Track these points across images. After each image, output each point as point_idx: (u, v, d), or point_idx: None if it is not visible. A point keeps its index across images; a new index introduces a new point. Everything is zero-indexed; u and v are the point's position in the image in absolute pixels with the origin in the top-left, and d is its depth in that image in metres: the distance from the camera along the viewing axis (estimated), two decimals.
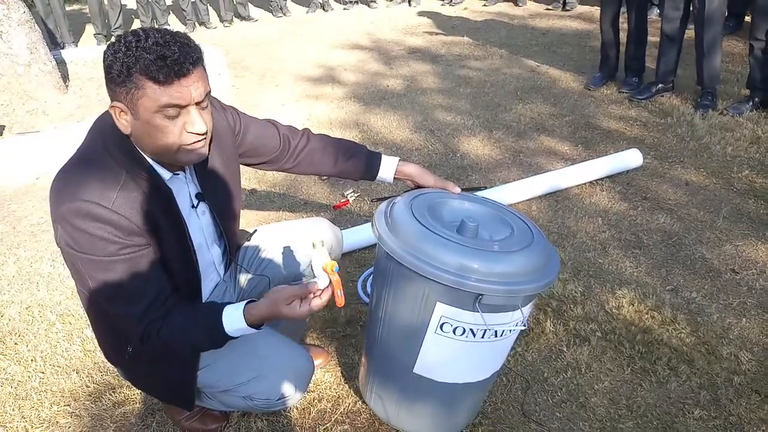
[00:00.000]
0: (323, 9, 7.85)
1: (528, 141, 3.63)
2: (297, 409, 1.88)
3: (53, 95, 4.98)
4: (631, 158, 3.11)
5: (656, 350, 2.02)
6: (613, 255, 2.52)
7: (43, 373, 2.12)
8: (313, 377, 1.79)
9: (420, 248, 1.30)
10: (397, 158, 1.72)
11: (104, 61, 1.22)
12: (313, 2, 7.86)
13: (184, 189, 1.46)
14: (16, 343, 2.28)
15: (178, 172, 1.43)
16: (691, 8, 3.67)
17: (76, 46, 6.83)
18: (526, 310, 1.39)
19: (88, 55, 5.96)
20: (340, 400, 1.91)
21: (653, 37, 4.07)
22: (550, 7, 6.78)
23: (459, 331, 1.36)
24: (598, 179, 3.08)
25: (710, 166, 3.16)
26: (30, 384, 2.07)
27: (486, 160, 3.43)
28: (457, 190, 1.62)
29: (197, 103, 1.25)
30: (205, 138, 1.31)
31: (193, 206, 1.50)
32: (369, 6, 7.79)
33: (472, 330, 1.35)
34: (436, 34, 6.30)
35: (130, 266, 1.31)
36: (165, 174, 1.38)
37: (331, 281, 1.31)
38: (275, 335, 1.66)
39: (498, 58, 5.26)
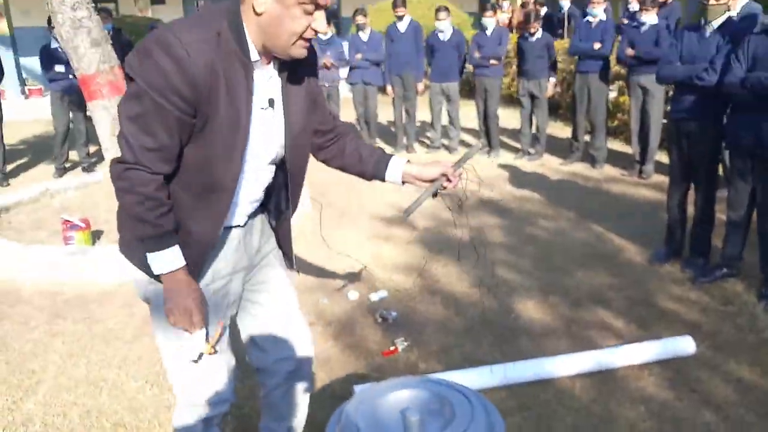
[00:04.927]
0: (407, 151, 8.35)
1: (582, 311, 3.67)
2: None
3: None
4: (684, 345, 3.09)
5: None
6: None
7: None
8: None
9: None
10: (405, 159, 1.93)
11: None
12: (398, 144, 8.40)
13: (262, 82, 1.58)
14: None
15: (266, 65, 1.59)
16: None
17: None
18: None
19: None
20: None
21: (723, 215, 4.08)
22: (626, 172, 6.93)
23: None
24: (647, 362, 3.06)
25: (767, 363, 3.08)
26: None
27: (538, 325, 3.49)
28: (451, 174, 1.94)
29: (325, 9, 1.47)
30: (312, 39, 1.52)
31: (262, 108, 1.60)
32: (449, 152, 8.22)
33: None
34: (511, 187, 6.55)
35: (162, 114, 1.43)
36: (254, 55, 1.51)
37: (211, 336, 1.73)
38: None
39: (566, 221, 5.41)
